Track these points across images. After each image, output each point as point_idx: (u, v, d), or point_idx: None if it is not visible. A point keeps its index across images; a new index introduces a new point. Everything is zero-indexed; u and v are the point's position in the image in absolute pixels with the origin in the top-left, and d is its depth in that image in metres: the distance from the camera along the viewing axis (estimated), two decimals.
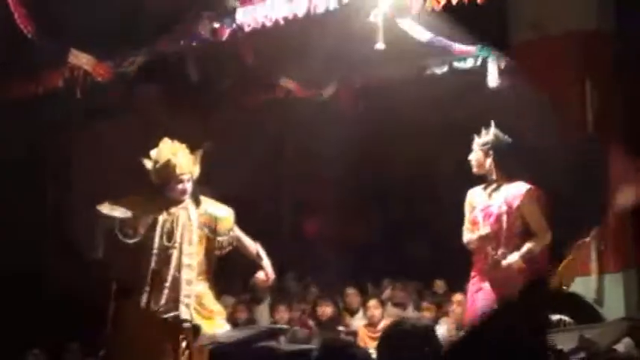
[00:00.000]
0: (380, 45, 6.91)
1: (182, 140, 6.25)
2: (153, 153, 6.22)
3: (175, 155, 6.12)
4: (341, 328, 9.24)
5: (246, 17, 7.38)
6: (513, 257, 6.38)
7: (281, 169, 11.98)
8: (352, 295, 9.74)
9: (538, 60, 8.32)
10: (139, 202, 6.15)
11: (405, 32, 7.77)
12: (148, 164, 6.19)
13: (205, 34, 7.69)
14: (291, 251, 10.52)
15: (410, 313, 9.52)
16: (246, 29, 7.45)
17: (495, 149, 6.52)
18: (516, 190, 6.50)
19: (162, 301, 5.94)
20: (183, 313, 5.95)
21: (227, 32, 7.56)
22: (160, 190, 6.16)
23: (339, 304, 9.64)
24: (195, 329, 6.01)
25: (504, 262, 6.38)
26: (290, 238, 11.94)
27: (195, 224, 6.14)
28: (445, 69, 8.48)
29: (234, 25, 7.45)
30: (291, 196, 11.99)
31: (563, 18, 8.39)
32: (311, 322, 9.45)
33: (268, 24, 7.29)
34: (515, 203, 6.46)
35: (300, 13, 7.07)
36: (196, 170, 6.22)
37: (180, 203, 6.16)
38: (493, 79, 7.91)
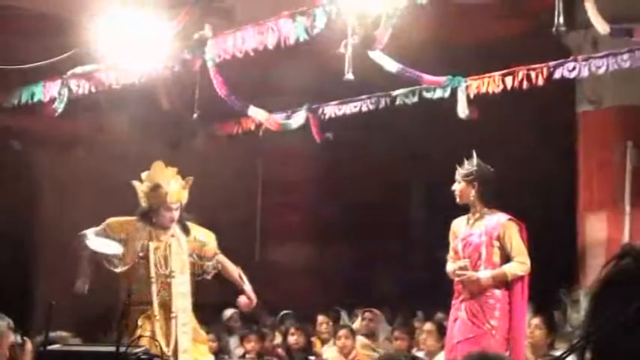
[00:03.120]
0: (349, 76, 6.93)
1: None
2: (144, 176, 6.13)
3: (167, 182, 6.03)
4: (312, 358, 9.21)
5: (217, 48, 7.39)
6: (485, 273, 6.33)
7: (254, 200, 11.96)
8: (323, 324, 9.71)
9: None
10: (126, 228, 6.05)
11: (374, 63, 7.80)
12: (139, 187, 6.11)
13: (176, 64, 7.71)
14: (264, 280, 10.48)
15: (381, 342, 9.51)
16: (217, 60, 7.46)
17: (478, 180, 6.51)
18: (496, 221, 6.48)
19: (164, 330, 5.89)
20: (183, 342, 5.90)
21: (198, 63, 7.58)
22: (149, 215, 6.08)
23: (311, 333, 9.61)
24: None
25: (475, 275, 6.30)
26: (262, 268, 11.89)
27: (187, 252, 6.10)
28: (415, 99, 8.49)
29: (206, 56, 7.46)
30: (263, 226, 11.95)
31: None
32: (282, 352, 9.42)
33: (239, 55, 7.30)
34: (495, 234, 6.42)
35: (271, 45, 7.08)
36: (185, 197, 6.15)
37: (169, 230, 6.10)
38: (463, 109, 7.95)
